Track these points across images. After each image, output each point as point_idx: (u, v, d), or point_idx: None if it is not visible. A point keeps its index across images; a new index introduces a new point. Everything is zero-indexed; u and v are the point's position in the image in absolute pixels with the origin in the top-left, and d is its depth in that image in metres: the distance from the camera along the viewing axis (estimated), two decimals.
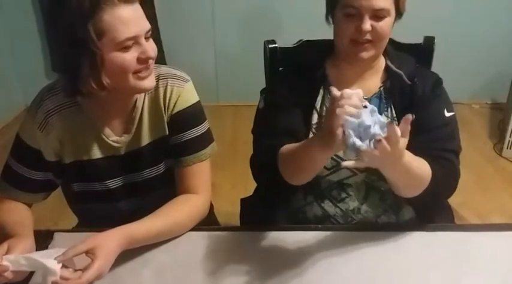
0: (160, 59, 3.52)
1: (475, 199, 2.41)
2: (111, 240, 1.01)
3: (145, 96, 1.21)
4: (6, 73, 3.54)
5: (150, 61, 1.08)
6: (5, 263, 0.95)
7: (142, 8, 1.07)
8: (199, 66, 3.70)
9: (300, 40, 1.50)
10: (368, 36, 1.15)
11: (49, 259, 0.94)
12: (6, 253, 0.99)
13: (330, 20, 1.24)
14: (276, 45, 1.50)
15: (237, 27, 3.68)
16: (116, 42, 1.01)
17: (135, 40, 1.04)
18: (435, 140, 1.18)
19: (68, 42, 1.02)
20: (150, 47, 1.07)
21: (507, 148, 3.03)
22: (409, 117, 0.88)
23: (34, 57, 3.64)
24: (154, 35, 3.69)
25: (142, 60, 1.06)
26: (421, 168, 1.08)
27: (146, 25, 1.06)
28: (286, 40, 1.52)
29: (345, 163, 0.92)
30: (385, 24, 1.15)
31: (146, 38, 1.07)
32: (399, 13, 1.19)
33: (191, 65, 3.66)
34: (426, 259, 1.09)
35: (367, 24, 1.13)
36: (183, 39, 3.67)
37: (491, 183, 2.74)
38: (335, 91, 0.93)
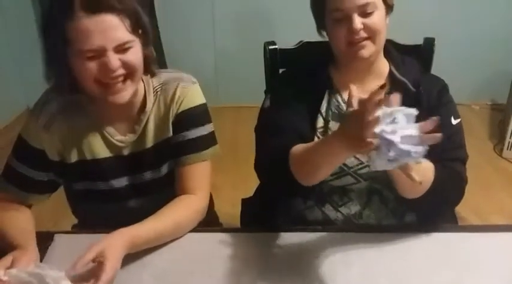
0: (161, 60, 3.52)
1: (475, 200, 2.41)
2: (116, 240, 1.01)
3: (155, 99, 1.22)
4: (8, 74, 3.54)
5: (116, 74, 1.05)
6: (5, 278, 0.94)
7: (123, 18, 1.04)
8: (199, 67, 3.70)
9: (300, 41, 1.50)
10: (363, 34, 1.14)
11: (54, 271, 0.93)
12: (11, 265, 0.98)
13: (323, 33, 1.24)
14: (276, 46, 1.50)
15: (237, 29, 3.68)
16: (77, 51, 1.03)
17: (98, 53, 1.03)
18: (443, 150, 1.15)
19: (45, 46, 1.08)
20: (114, 59, 1.04)
21: (507, 149, 3.03)
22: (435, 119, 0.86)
23: (35, 58, 3.63)
24: (154, 35, 3.69)
25: (104, 72, 1.05)
26: (424, 166, 1.06)
27: (119, 37, 1.03)
28: (287, 41, 1.52)
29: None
30: (376, 19, 1.14)
31: (123, 50, 1.05)
32: (388, 6, 1.18)
33: (191, 66, 3.66)
34: (426, 260, 1.09)
35: (358, 23, 1.12)
36: (183, 41, 3.67)
37: (491, 183, 2.75)
38: (355, 93, 0.88)
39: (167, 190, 1.25)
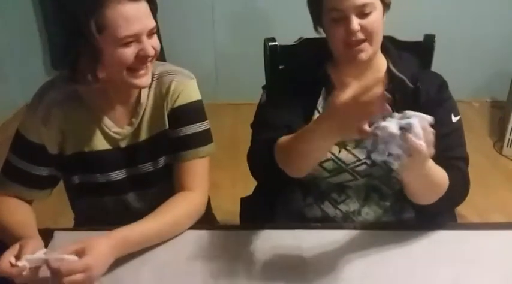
0: (161, 60, 3.51)
1: (475, 198, 2.39)
2: (102, 243, 1.00)
3: (150, 91, 1.22)
4: (6, 70, 3.54)
5: (149, 59, 1.09)
6: (21, 264, 0.95)
7: (150, 5, 1.08)
8: (199, 64, 3.67)
9: (300, 38, 1.50)
10: (360, 36, 1.13)
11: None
12: (18, 252, 0.99)
13: (320, 29, 1.24)
14: (276, 43, 1.50)
15: (237, 25, 3.68)
16: (116, 38, 1.03)
17: (136, 38, 1.05)
18: (445, 148, 1.14)
19: (69, 35, 1.05)
20: (151, 45, 1.08)
21: (507, 146, 3.03)
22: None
23: (34, 55, 3.64)
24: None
25: (141, 57, 1.07)
26: (440, 174, 1.07)
27: (150, 23, 1.07)
28: (287, 38, 1.52)
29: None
30: (374, 19, 1.13)
31: (151, 35, 1.08)
32: (385, 4, 1.17)
33: (191, 63, 3.64)
34: (426, 258, 1.09)
35: (355, 24, 1.11)
36: (183, 38, 3.66)
37: (491, 181, 2.74)
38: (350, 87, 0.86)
39: (166, 183, 1.26)
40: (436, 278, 1.04)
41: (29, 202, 1.25)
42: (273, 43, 1.49)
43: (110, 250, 1.00)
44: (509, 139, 3.00)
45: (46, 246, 1.13)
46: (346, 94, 0.86)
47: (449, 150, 1.16)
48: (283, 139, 1.11)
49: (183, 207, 1.18)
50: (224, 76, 3.83)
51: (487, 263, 1.08)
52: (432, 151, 0.89)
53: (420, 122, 0.86)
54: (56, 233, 1.18)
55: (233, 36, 3.71)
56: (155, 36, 1.11)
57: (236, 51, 3.69)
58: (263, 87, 1.39)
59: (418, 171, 0.96)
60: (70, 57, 1.08)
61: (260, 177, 1.27)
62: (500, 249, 1.12)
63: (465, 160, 1.19)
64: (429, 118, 0.87)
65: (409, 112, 0.87)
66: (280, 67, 1.47)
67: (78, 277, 0.92)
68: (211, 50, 3.75)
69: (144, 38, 1.07)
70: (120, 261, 1.05)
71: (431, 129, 0.87)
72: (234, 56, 3.72)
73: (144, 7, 1.06)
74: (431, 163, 1.00)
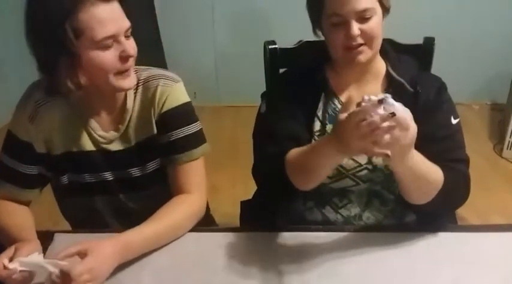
0: (161, 60, 3.51)
1: (475, 200, 2.39)
2: (105, 245, 1.00)
3: (135, 97, 1.22)
4: (6, 70, 3.54)
5: (131, 59, 1.09)
6: (12, 266, 0.95)
7: (122, 6, 1.08)
8: (200, 66, 3.70)
9: (300, 41, 1.50)
10: (360, 40, 1.13)
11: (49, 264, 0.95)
12: (13, 255, 0.99)
13: (319, 32, 1.23)
14: (276, 46, 1.50)
15: (237, 29, 3.69)
16: (94, 41, 1.03)
17: (114, 39, 1.05)
18: (444, 151, 1.14)
19: (45, 42, 1.03)
20: (130, 46, 1.08)
21: (507, 148, 3.03)
22: None
23: (33, 58, 3.64)
24: (155, 35, 3.65)
25: (123, 59, 1.07)
26: (432, 170, 1.06)
27: (125, 24, 1.07)
28: (287, 41, 1.52)
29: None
30: (374, 24, 1.13)
31: (126, 37, 1.08)
32: (385, 9, 1.17)
33: (191, 65, 3.67)
34: (427, 260, 1.09)
35: (355, 29, 1.11)
36: (183, 40, 3.67)
37: (491, 183, 2.75)
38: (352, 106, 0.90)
39: (158, 186, 1.26)
40: (437, 280, 1.04)
41: (26, 204, 1.25)
42: (273, 46, 1.49)
43: (114, 254, 1.01)
44: (509, 141, 3.01)
45: (46, 248, 1.13)
46: (346, 113, 0.90)
47: (449, 152, 1.16)
48: (293, 153, 1.12)
49: (182, 209, 1.17)
50: (224, 76, 3.84)
51: (487, 265, 1.08)
52: (390, 149, 0.89)
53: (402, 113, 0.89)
54: (56, 236, 1.18)
55: (233, 36, 3.72)
56: (131, 38, 1.10)
57: (236, 51, 3.70)
58: (262, 96, 1.39)
59: (401, 160, 0.96)
60: (48, 66, 1.07)
61: (266, 189, 1.27)
62: (500, 251, 1.12)
63: (465, 162, 1.19)
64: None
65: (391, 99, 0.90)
66: (280, 71, 1.46)
67: (83, 278, 0.93)
68: (211, 50, 3.75)
69: (122, 39, 1.07)
70: (120, 265, 1.05)
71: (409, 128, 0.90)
72: (234, 56, 3.72)
73: (117, 8, 1.06)
74: (418, 157, 1.00)
